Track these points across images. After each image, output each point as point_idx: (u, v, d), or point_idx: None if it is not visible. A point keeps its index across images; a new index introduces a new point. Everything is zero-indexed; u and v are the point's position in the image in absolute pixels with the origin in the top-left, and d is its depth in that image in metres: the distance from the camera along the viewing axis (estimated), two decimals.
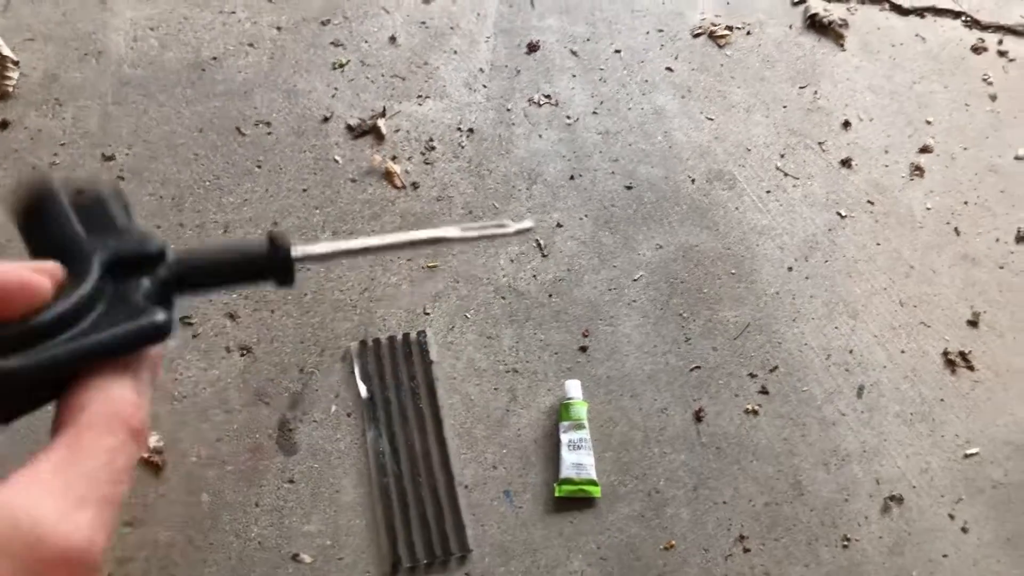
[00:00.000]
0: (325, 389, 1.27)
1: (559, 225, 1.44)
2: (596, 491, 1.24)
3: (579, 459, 1.24)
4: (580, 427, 1.26)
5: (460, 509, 1.20)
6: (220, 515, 1.18)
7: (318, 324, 1.31)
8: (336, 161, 1.45)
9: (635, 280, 1.41)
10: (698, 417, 1.32)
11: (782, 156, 1.56)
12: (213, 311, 1.30)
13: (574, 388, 1.29)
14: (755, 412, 1.33)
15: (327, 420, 1.24)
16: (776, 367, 1.37)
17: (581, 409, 1.27)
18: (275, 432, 1.23)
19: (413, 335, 1.31)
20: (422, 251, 1.39)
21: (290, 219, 1.39)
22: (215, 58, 1.53)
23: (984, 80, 1.71)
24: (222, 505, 1.18)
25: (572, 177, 1.49)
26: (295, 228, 1.38)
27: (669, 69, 1.63)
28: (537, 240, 1.42)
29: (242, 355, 1.28)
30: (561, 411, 1.27)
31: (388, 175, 1.45)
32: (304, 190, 1.42)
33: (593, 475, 1.24)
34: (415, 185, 1.45)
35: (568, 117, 1.55)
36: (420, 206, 1.43)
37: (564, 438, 1.25)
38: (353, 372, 1.27)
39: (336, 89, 1.52)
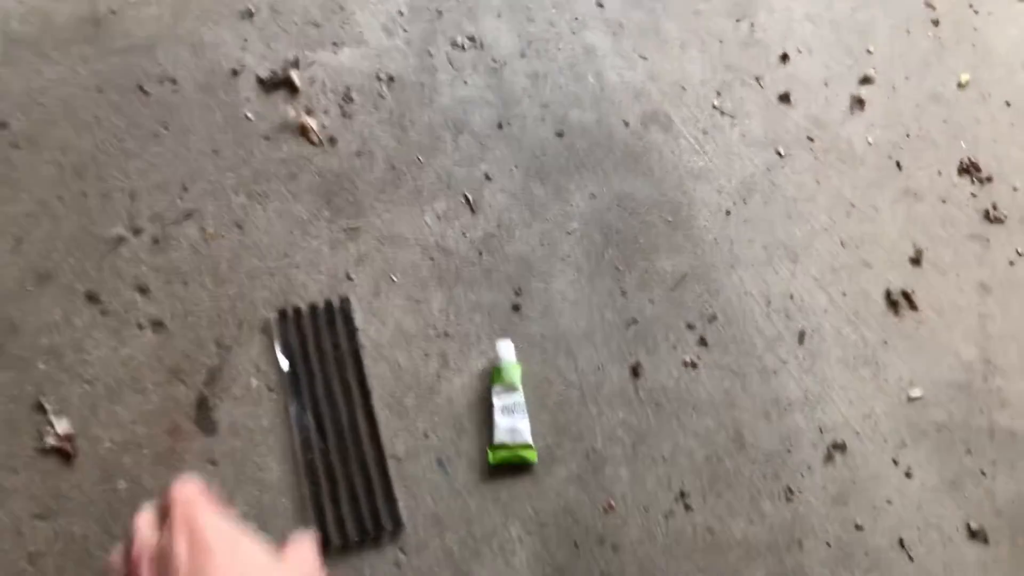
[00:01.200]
0: (245, 363, 1.20)
1: (488, 178, 1.37)
2: (532, 455, 1.20)
3: (513, 424, 1.20)
4: (514, 390, 1.21)
5: (391, 482, 1.16)
6: (139, 502, 1.12)
7: (235, 295, 1.24)
8: (248, 118, 1.36)
9: (569, 233, 1.36)
10: (636, 372, 1.28)
11: (719, 94, 1.50)
12: (122, 284, 1.23)
13: (506, 350, 1.24)
14: (694, 364, 1.29)
15: (248, 396, 1.18)
16: (715, 316, 1.33)
17: (514, 371, 1.22)
18: (193, 411, 1.17)
19: (336, 302, 1.25)
20: (343, 211, 1.32)
21: (200, 183, 1.31)
22: (113, 11, 1.42)
23: (927, 4, 1.65)
24: (141, 492, 1.12)
25: (500, 125, 1.42)
26: (206, 193, 1.30)
27: (599, 5, 1.55)
28: (465, 195, 1.35)
29: (155, 331, 1.21)
30: (493, 375, 1.22)
31: (303, 130, 1.36)
32: (215, 151, 1.34)
33: (528, 439, 1.20)
34: (333, 140, 1.37)
35: (494, 60, 1.47)
36: (339, 163, 1.35)
37: (497, 402, 1.21)
38: (273, 344, 1.21)
39: (245, 40, 1.43)
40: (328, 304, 1.25)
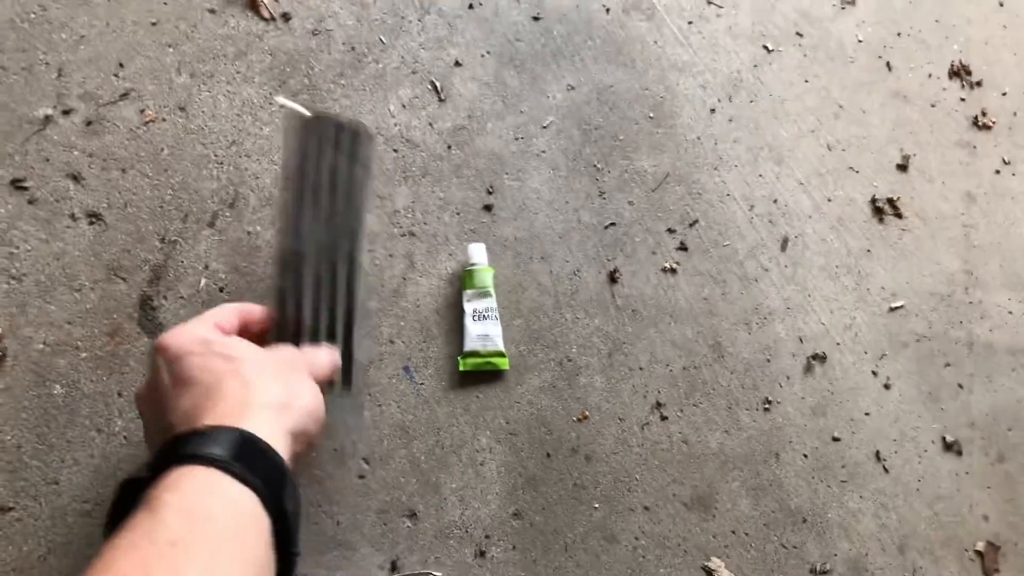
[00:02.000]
0: (192, 260, 1.10)
1: (457, 63, 1.26)
2: (504, 363, 1.13)
3: (485, 330, 1.12)
4: (485, 295, 1.13)
5: (352, 342, 0.93)
6: (77, 408, 1.03)
7: (179, 184, 1.13)
8: None
9: (544, 127, 1.26)
10: (613, 278, 1.21)
11: None
12: (52, 171, 1.10)
13: (478, 252, 1.15)
14: (673, 270, 1.23)
15: (196, 296, 1.08)
16: (696, 221, 1.26)
17: (486, 275, 1.14)
18: (136, 311, 1.07)
19: (362, 131, 1.05)
20: (298, 94, 1.20)
21: (138, 60, 1.17)
22: None
23: None
24: (79, 397, 1.03)
25: (471, 6, 1.30)
26: (145, 71, 1.17)
27: None
28: (433, 82, 1.24)
29: (91, 223, 1.09)
30: (464, 278, 1.14)
31: (254, 4, 1.23)
32: (153, 24, 1.19)
33: (501, 346, 1.12)
34: (286, 16, 1.23)
35: None
36: (293, 42, 1.22)
37: (468, 308, 1.13)
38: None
39: None
40: (354, 125, 0.97)
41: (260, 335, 0.84)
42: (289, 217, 0.92)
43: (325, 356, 0.83)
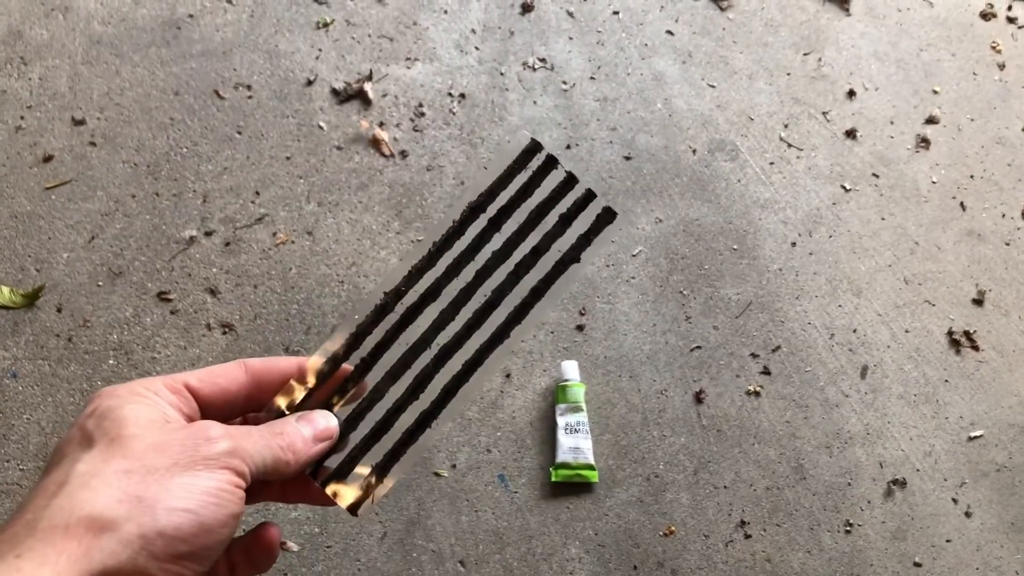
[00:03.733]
0: None
1: None
2: (593, 476, 1.19)
3: (576, 443, 1.19)
4: (577, 410, 1.21)
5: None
6: None
7: (303, 300, 1.25)
8: (321, 127, 1.38)
9: (634, 256, 1.36)
10: (698, 399, 1.27)
11: (786, 126, 1.50)
12: (192, 286, 1.24)
13: (571, 369, 1.24)
14: (757, 393, 1.29)
15: None
16: (779, 347, 1.33)
17: (578, 391, 1.22)
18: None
19: (602, 205, 1.15)
20: (412, 223, 1.33)
21: (272, 189, 1.32)
22: (191, 15, 1.44)
23: (992, 48, 1.66)
24: None
25: (568, 146, 1.43)
26: (278, 199, 1.31)
27: (669, 32, 1.56)
28: None
29: (224, 333, 1.22)
30: (557, 393, 1.22)
31: (375, 142, 1.38)
32: (287, 158, 1.35)
33: (591, 459, 1.19)
34: (404, 153, 1.38)
35: (564, 82, 1.48)
36: (409, 175, 1.36)
37: (561, 421, 1.21)
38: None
39: (320, 50, 1.44)
40: (588, 191, 1.04)
41: (250, 397, 0.52)
42: (428, 251, 0.64)
43: (306, 432, 0.48)
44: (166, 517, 0.39)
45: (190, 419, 0.47)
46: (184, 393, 0.47)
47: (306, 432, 0.49)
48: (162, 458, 0.41)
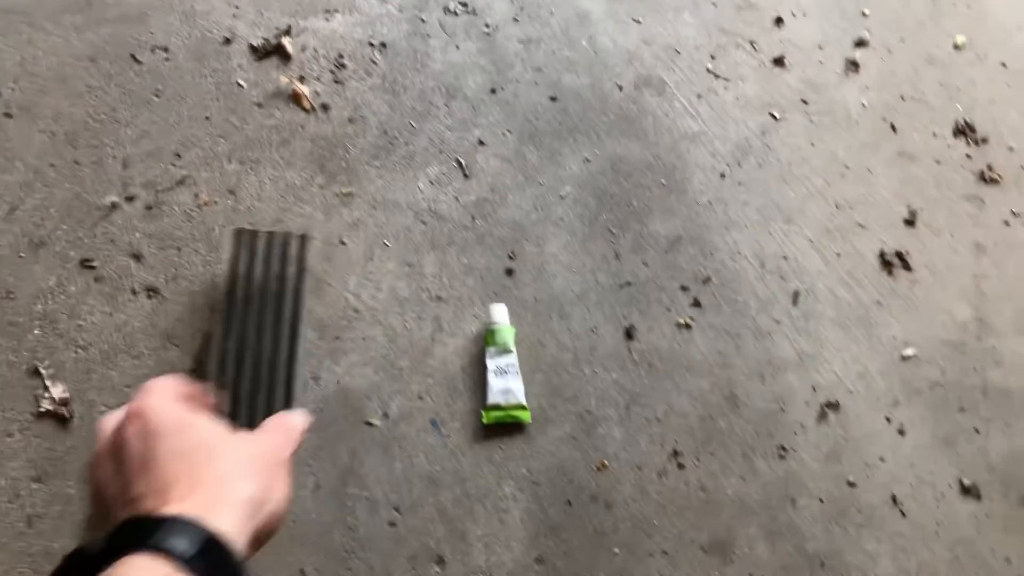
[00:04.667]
0: None
1: (481, 142, 1.37)
2: (526, 416, 1.20)
3: (507, 384, 1.20)
4: (507, 352, 1.22)
5: None
6: None
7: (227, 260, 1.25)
8: (240, 85, 1.36)
9: (562, 197, 1.35)
10: (629, 334, 1.28)
11: (713, 57, 1.49)
12: (115, 252, 1.23)
13: (500, 313, 1.24)
14: (688, 326, 1.30)
15: None
16: (709, 278, 1.33)
17: (508, 334, 1.22)
18: (190, 375, 1.18)
19: (295, 239, 1.22)
20: (336, 176, 1.32)
21: (193, 150, 1.31)
22: None
23: None
24: None
25: (493, 90, 1.42)
26: (199, 160, 1.30)
27: None
28: (458, 160, 1.35)
29: (149, 297, 1.21)
30: (487, 337, 1.23)
31: (296, 97, 1.36)
32: (207, 118, 1.34)
33: (522, 399, 1.20)
34: (325, 107, 1.37)
35: (487, 26, 1.46)
36: (332, 129, 1.35)
37: (491, 364, 1.21)
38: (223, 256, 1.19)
39: (237, 7, 1.42)
40: (286, 236, 1.21)
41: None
42: (227, 319, 1.16)
43: (298, 422, 0.74)
44: (278, 502, 0.63)
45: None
46: (193, 406, 0.66)
47: (303, 426, 0.74)
48: (266, 459, 0.65)
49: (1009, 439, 1.31)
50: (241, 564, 0.56)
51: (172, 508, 0.55)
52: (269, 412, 1.07)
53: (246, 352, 1.16)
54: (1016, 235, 1.45)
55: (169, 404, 0.64)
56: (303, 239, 1.23)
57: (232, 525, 0.57)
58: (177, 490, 0.57)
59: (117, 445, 0.62)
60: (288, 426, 0.72)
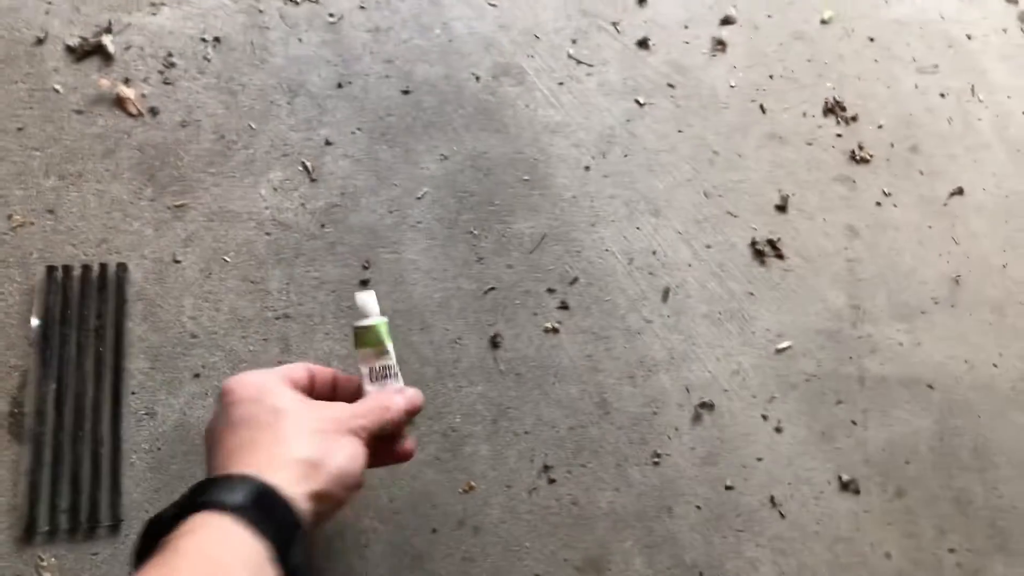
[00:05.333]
0: None
1: (328, 143, 1.27)
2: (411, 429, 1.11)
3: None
4: (384, 353, 0.96)
5: (120, 475, 1.06)
6: None
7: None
8: (56, 90, 1.23)
9: (419, 198, 1.27)
10: (495, 343, 1.21)
11: (574, 42, 1.42)
12: None
13: (368, 303, 0.98)
14: (555, 330, 1.23)
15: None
16: (576, 279, 1.27)
17: (382, 329, 0.97)
18: (4, 419, 1.06)
19: (112, 268, 1.13)
20: (168, 187, 1.21)
21: (4, 165, 1.17)
22: None
23: None
24: None
25: (340, 85, 1.31)
26: (11, 176, 1.17)
27: None
28: (304, 163, 1.25)
29: None
30: (355, 338, 0.97)
31: (120, 102, 1.24)
32: (20, 129, 1.20)
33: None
34: (154, 111, 1.24)
35: (331, 15, 1.35)
36: (162, 135, 1.23)
37: (365, 371, 0.95)
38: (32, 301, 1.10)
39: (50, 3, 1.28)
40: (103, 268, 1.13)
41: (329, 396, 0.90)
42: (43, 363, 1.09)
43: (399, 400, 0.88)
44: (339, 465, 0.71)
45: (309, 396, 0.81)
46: (295, 382, 0.82)
47: (401, 404, 0.87)
48: (331, 425, 0.74)
49: (887, 429, 1.29)
50: (293, 514, 0.65)
51: (234, 469, 0.65)
52: (96, 457, 1.01)
53: (66, 394, 1.06)
54: (888, 215, 1.43)
55: (253, 377, 0.77)
56: (120, 268, 1.13)
57: (286, 481, 0.65)
58: (242, 453, 0.68)
59: (211, 424, 0.76)
60: (384, 403, 0.84)
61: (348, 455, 0.73)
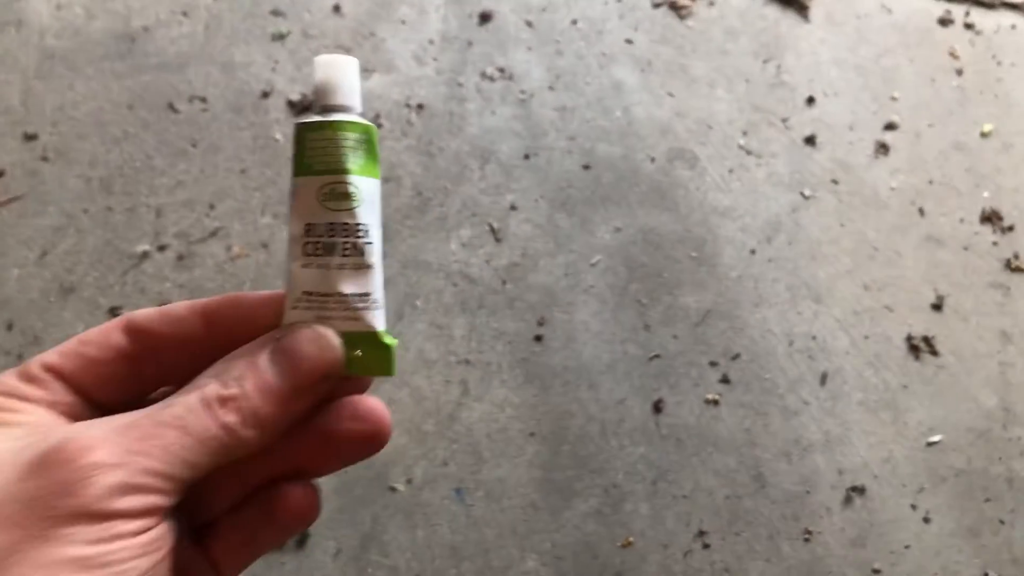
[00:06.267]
0: None
1: (513, 207, 1.38)
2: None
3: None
4: (348, 190, 0.24)
5: None
6: None
7: None
8: (277, 139, 1.37)
9: (593, 265, 1.35)
10: (657, 408, 1.27)
11: (745, 133, 1.51)
12: (145, 301, 1.22)
13: (342, 75, 0.39)
14: (716, 402, 1.29)
15: None
16: (738, 355, 1.33)
17: (366, 132, 0.29)
18: None
19: None
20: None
21: (227, 202, 1.31)
22: (146, 28, 1.43)
23: (950, 54, 1.67)
24: None
25: (527, 156, 1.42)
26: (233, 212, 1.30)
27: (628, 41, 1.56)
28: (490, 224, 1.35)
29: None
30: (299, 146, 0.39)
31: None
32: (242, 171, 1.34)
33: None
34: None
35: (523, 92, 1.47)
36: None
37: (298, 229, 0.38)
38: None
39: (276, 62, 1.43)
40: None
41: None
42: None
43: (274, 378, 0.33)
44: None
45: (71, 409, 0.34)
46: (46, 380, 0.34)
47: (275, 379, 0.33)
48: (11, 533, 0.27)
49: None
50: None
51: None
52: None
53: None
54: None
55: None
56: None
57: None
58: None
59: None
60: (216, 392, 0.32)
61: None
